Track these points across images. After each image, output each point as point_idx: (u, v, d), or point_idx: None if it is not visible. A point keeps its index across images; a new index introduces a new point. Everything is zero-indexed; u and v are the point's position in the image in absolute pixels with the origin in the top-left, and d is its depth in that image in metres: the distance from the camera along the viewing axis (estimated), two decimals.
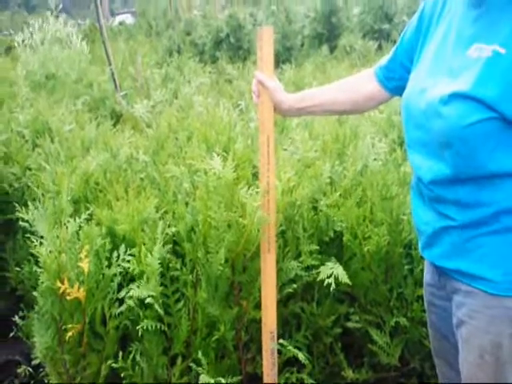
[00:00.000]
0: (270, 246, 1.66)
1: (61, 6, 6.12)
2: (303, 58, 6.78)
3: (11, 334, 2.62)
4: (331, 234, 2.20)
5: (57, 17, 5.93)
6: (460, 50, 1.34)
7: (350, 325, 2.20)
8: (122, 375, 1.99)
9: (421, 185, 1.46)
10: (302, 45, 7.83)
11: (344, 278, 1.93)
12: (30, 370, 2.47)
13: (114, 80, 4.83)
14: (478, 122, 1.27)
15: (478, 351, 1.40)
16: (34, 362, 2.32)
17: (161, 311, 1.90)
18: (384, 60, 1.71)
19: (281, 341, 1.91)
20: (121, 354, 2.00)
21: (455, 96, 1.29)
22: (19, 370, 2.53)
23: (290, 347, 1.85)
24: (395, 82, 1.67)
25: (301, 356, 1.91)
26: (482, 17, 1.33)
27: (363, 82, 1.74)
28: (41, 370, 2.40)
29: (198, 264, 1.96)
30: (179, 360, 2.00)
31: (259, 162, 1.73)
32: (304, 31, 7.84)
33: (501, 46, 1.25)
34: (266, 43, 1.66)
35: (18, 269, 2.90)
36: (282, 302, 2.13)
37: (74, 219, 2.16)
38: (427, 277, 1.62)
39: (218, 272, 1.90)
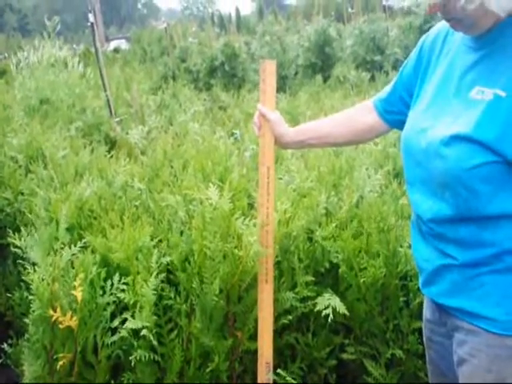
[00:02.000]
0: (267, 277, 1.67)
1: (58, 27, 6.15)
2: (297, 87, 6.85)
3: None
4: (327, 265, 2.20)
5: (54, 41, 5.96)
6: (462, 91, 1.36)
7: (345, 356, 2.18)
8: None
9: (420, 222, 1.46)
10: (296, 73, 7.93)
11: (342, 308, 1.93)
12: None
13: (109, 106, 4.85)
14: (479, 166, 1.27)
15: None
16: None
17: (154, 341, 1.88)
18: (383, 93, 1.72)
19: (278, 370, 1.89)
20: (113, 383, 1.97)
21: (457, 138, 1.29)
22: None
23: (288, 378, 1.83)
24: (395, 116, 1.68)
25: None
26: (483, 60, 1.34)
27: (362, 115, 1.75)
28: None
29: (193, 294, 1.95)
30: None
31: (257, 193, 1.74)
32: (298, 60, 7.95)
33: (502, 90, 1.26)
34: (268, 76, 1.69)
35: (7, 295, 2.86)
36: (277, 333, 2.10)
37: (69, 247, 2.15)
38: (427, 313, 1.60)
39: (212, 302, 1.89)
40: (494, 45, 1.32)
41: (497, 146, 1.26)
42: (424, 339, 1.65)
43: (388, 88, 1.71)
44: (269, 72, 1.69)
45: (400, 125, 1.61)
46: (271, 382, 1.70)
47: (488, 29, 1.32)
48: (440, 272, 1.43)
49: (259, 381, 1.71)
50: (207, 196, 2.03)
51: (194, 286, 1.93)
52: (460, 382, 1.45)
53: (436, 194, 1.38)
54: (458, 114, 1.34)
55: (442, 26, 1.53)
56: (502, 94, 1.26)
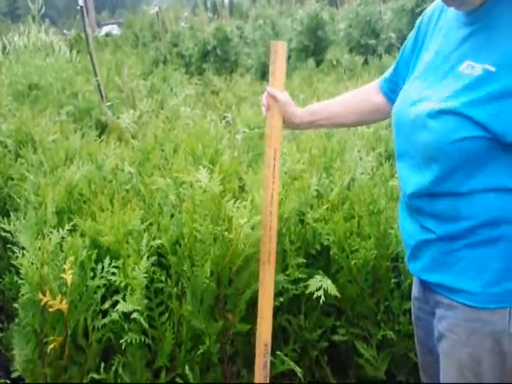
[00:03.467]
0: (270, 257, 1.66)
1: (43, 11, 6.06)
2: (290, 71, 6.80)
3: None
4: (318, 247, 2.19)
5: (39, 24, 5.88)
6: (452, 66, 1.36)
7: (336, 338, 2.18)
8: None
9: (405, 197, 1.48)
10: (289, 57, 7.87)
11: (333, 290, 1.93)
12: (9, 383, 2.41)
13: (100, 90, 4.81)
14: (464, 139, 1.28)
15: (458, 366, 1.39)
16: (13, 375, 2.27)
17: (145, 324, 1.87)
18: (388, 72, 1.73)
19: (278, 352, 1.89)
20: (103, 366, 1.96)
21: (443, 111, 1.30)
22: None
23: (287, 359, 1.83)
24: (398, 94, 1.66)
25: (297, 369, 1.89)
26: (473, 35, 1.34)
27: (370, 95, 1.77)
28: (20, 382, 2.34)
29: (183, 277, 1.94)
30: (163, 373, 1.97)
31: (264, 175, 1.71)
32: (291, 44, 7.89)
33: (491, 65, 1.26)
34: (279, 57, 1.64)
35: None
36: None
37: (58, 230, 2.13)
38: (415, 290, 1.62)
39: (203, 285, 1.88)
40: (484, 20, 1.32)
41: (483, 120, 1.26)
42: (412, 318, 1.66)
43: (391, 68, 1.72)
44: (279, 53, 1.64)
45: None
46: (269, 364, 1.69)
47: (480, 4, 1.32)
48: (421, 247, 1.45)
49: (257, 362, 1.71)
50: (197, 179, 2.02)
51: (184, 268, 1.92)
52: (441, 358, 1.45)
53: (420, 168, 1.39)
54: (446, 88, 1.34)
55: (436, 3, 1.53)
56: (492, 69, 1.26)
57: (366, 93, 1.78)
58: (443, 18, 1.49)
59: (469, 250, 1.36)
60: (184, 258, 1.94)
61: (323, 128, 2.23)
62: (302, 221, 2.22)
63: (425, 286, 1.52)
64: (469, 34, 1.35)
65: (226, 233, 1.94)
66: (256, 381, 1.79)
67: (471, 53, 1.33)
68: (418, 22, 1.60)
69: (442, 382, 1.45)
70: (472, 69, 1.30)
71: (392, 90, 1.70)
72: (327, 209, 2.22)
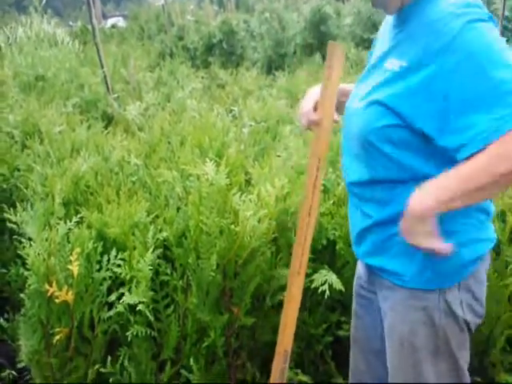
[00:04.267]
0: (300, 269, 1.60)
1: (44, 1, 6.03)
2: (296, 65, 6.79)
3: None
4: (324, 241, 2.19)
5: (42, 15, 5.86)
6: (381, 62, 1.50)
7: (341, 333, 2.19)
8: (110, 380, 1.96)
9: (348, 186, 1.59)
10: (295, 52, 7.85)
11: (338, 285, 1.94)
12: (14, 373, 2.42)
13: (106, 82, 4.80)
14: (385, 127, 1.40)
15: (399, 339, 1.53)
16: (18, 366, 2.28)
17: (151, 317, 1.88)
18: None
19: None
20: (109, 358, 1.97)
21: (371, 102, 1.44)
22: (3, 374, 2.48)
23: (301, 376, 1.84)
24: None
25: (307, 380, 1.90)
26: (398, 35, 1.48)
27: None
28: (25, 373, 2.36)
29: (189, 269, 1.94)
30: (168, 366, 1.98)
31: (306, 184, 1.61)
32: (297, 38, 7.86)
33: (406, 62, 1.39)
34: (336, 61, 1.52)
35: (3, 270, 2.85)
36: (274, 309, 2.11)
37: (64, 222, 2.13)
38: (360, 271, 1.73)
39: (209, 278, 1.88)
40: (406, 21, 1.46)
41: (398, 109, 1.38)
42: (353, 293, 1.77)
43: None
44: (337, 56, 1.52)
45: None
46: (286, 370, 1.69)
47: (401, 7, 1.47)
48: (363, 233, 1.57)
49: (274, 367, 1.69)
50: (204, 171, 2.01)
51: (190, 261, 1.92)
52: (385, 332, 1.59)
53: (358, 158, 1.52)
54: (374, 82, 1.48)
55: None
56: (404, 64, 1.39)
57: None
58: (387, 22, 1.62)
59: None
60: (190, 251, 1.94)
61: None
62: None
63: (369, 269, 1.63)
64: (395, 34, 1.49)
65: (232, 226, 1.94)
66: None
67: (394, 51, 1.46)
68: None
69: (388, 351, 1.59)
70: (392, 64, 1.43)
71: None
72: (333, 203, 2.22)
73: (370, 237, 1.55)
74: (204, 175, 2.08)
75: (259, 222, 1.93)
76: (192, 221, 1.99)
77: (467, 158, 1.30)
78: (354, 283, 1.77)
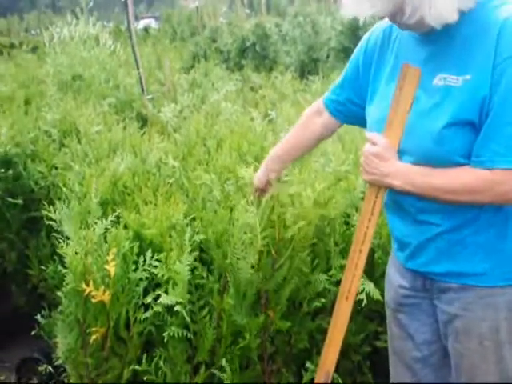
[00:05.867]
0: (349, 294, 1.59)
1: (91, 4, 6.14)
2: (329, 70, 6.75)
3: (33, 332, 2.59)
4: None
5: (87, 17, 5.96)
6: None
7: (378, 344, 2.16)
8: (145, 379, 1.96)
9: (401, 201, 1.57)
10: (328, 56, 7.82)
11: (375, 294, 1.91)
12: (51, 369, 2.44)
13: (141, 83, 4.84)
14: (471, 142, 1.40)
15: (478, 339, 1.52)
16: (54, 362, 2.31)
17: (188, 318, 1.88)
18: (332, 93, 1.85)
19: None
20: (145, 357, 1.97)
21: (450, 124, 1.41)
22: (40, 369, 2.50)
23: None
24: (345, 114, 1.82)
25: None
26: (436, 51, 1.47)
27: (315, 120, 1.91)
28: (61, 369, 2.38)
29: (227, 270, 1.93)
30: (202, 368, 1.97)
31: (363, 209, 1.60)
32: (330, 43, 7.83)
33: (470, 75, 1.39)
34: (407, 84, 1.46)
35: (41, 267, 2.89)
36: (310, 316, 2.09)
37: (102, 221, 2.15)
38: (400, 281, 1.70)
39: (246, 278, 1.88)
40: (444, 37, 1.45)
41: (474, 120, 1.39)
42: (391, 304, 1.76)
43: (336, 88, 1.83)
44: (409, 79, 1.46)
45: (350, 120, 1.85)
46: None
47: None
48: (424, 244, 1.56)
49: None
50: (245, 175, 2.02)
51: (228, 261, 1.91)
52: (451, 336, 1.59)
53: None
54: (427, 104, 1.47)
55: (384, 22, 1.64)
56: (468, 77, 1.39)
57: (312, 118, 1.91)
58: (394, 37, 1.61)
59: (475, 236, 1.48)
60: (228, 252, 1.93)
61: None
62: (346, 222, 2.20)
63: (425, 276, 1.61)
64: (430, 51, 1.48)
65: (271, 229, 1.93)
66: None
67: (438, 67, 1.46)
68: (363, 42, 1.72)
69: (459, 358, 1.58)
70: (445, 82, 1.43)
71: (338, 110, 1.83)
72: None
73: (434, 245, 1.54)
74: (242, 178, 2.08)
75: (298, 227, 1.92)
76: (231, 222, 1.99)
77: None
78: (391, 296, 1.75)
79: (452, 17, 1.38)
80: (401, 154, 1.51)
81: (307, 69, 7.56)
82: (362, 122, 1.73)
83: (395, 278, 1.73)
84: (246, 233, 1.92)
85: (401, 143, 1.50)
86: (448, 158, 1.43)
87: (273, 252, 1.92)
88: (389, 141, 1.49)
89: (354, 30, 7.37)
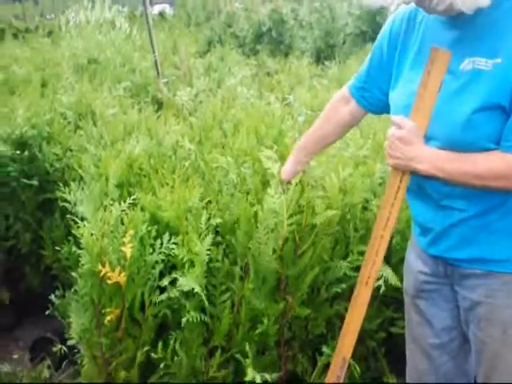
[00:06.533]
0: (368, 280, 1.57)
1: None
2: (345, 56, 6.68)
3: (47, 312, 2.60)
4: None
5: (103, 1, 5.95)
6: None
7: (394, 330, 2.13)
8: (160, 363, 1.96)
9: (425, 185, 1.54)
10: (344, 42, 7.72)
11: (394, 279, 1.89)
12: (65, 349, 2.44)
13: (157, 67, 4.81)
14: (500, 128, 1.37)
15: (501, 327, 1.51)
16: (67, 342, 2.30)
17: (206, 302, 1.86)
18: (358, 80, 1.81)
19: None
20: (160, 341, 1.96)
21: (479, 109, 1.38)
22: (54, 349, 2.51)
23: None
24: (372, 101, 1.79)
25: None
26: (464, 34, 1.43)
27: (342, 108, 1.87)
28: (74, 350, 2.38)
29: (247, 255, 1.91)
30: (218, 352, 1.96)
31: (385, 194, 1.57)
32: (346, 29, 7.73)
33: (501, 58, 1.36)
34: (436, 68, 1.42)
35: (57, 248, 2.89)
36: (328, 302, 2.07)
37: (119, 203, 2.13)
38: (421, 266, 1.68)
39: (267, 264, 1.86)
40: (472, 21, 1.41)
41: (503, 103, 1.36)
42: (410, 291, 1.74)
43: (362, 75, 1.79)
44: (438, 63, 1.41)
45: (375, 109, 1.81)
46: (342, 378, 1.66)
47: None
48: (449, 229, 1.54)
49: (330, 372, 1.67)
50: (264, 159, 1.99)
51: (250, 245, 1.89)
52: (473, 323, 1.57)
53: None
54: (453, 87, 1.43)
55: (408, 7, 1.60)
56: (499, 61, 1.35)
57: (339, 107, 1.88)
58: (419, 20, 1.57)
59: (500, 221, 1.47)
60: (249, 237, 1.91)
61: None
62: (365, 208, 2.17)
63: (446, 262, 1.59)
64: (458, 34, 1.45)
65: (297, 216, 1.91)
66: None
67: (467, 51, 1.42)
68: (387, 27, 1.67)
69: (485, 342, 1.56)
70: (474, 65, 1.39)
71: (365, 98, 1.79)
72: None
73: (459, 230, 1.52)
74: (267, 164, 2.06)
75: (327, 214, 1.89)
76: (252, 207, 1.96)
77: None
78: (411, 282, 1.74)
79: (485, 1, 1.34)
80: (427, 139, 1.47)
81: (323, 54, 7.48)
82: (389, 110, 1.68)
83: (415, 263, 1.71)
84: (270, 218, 1.89)
85: (428, 129, 1.46)
86: (476, 143, 1.40)
87: (297, 238, 1.89)
88: (415, 125, 1.46)
89: (373, 15, 7.28)
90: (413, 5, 1.52)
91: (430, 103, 1.43)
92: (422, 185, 1.55)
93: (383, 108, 1.74)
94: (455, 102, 1.42)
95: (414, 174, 1.50)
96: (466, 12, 1.36)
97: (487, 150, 1.39)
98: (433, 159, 1.43)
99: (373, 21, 7.26)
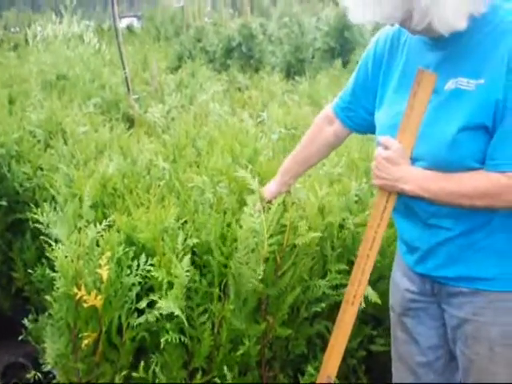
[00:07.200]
0: (354, 300, 1.58)
1: (74, 2, 6.06)
2: (315, 71, 6.75)
3: (20, 337, 2.54)
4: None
5: (72, 16, 5.89)
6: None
7: (374, 348, 2.15)
8: None
9: (413, 205, 1.55)
10: (313, 57, 7.82)
11: (374, 297, 1.90)
12: (39, 375, 2.39)
13: (127, 83, 4.78)
14: (484, 145, 1.40)
15: (488, 345, 1.52)
16: (43, 369, 2.25)
17: (186, 324, 1.84)
18: (342, 101, 1.82)
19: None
20: (141, 364, 1.94)
21: (463, 128, 1.41)
22: (28, 376, 2.45)
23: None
24: (357, 121, 1.79)
25: None
26: (447, 55, 1.46)
27: (325, 129, 1.87)
28: (50, 375, 2.33)
29: (227, 275, 1.90)
30: (199, 374, 1.94)
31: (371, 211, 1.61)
32: (315, 44, 7.83)
33: (484, 79, 1.39)
34: (422, 90, 1.44)
35: (29, 270, 2.83)
36: (308, 321, 2.07)
37: (94, 225, 2.10)
38: (407, 284, 1.69)
39: (249, 285, 1.85)
40: (455, 41, 1.43)
41: (486, 124, 1.39)
42: (397, 309, 1.75)
43: (347, 95, 1.80)
44: (424, 85, 1.43)
45: (361, 128, 1.82)
46: None
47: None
48: (435, 247, 1.55)
49: None
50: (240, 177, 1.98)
51: (230, 265, 1.88)
52: (460, 341, 1.58)
53: None
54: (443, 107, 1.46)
55: (392, 27, 1.62)
56: (482, 82, 1.39)
57: (323, 128, 1.88)
58: (402, 41, 1.60)
59: (486, 240, 1.48)
60: (230, 256, 1.90)
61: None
62: (342, 226, 2.18)
63: (433, 280, 1.60)
64: (441, 55, 1.47)
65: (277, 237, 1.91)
66: None
67: (451, 71, 1.44)
68: (372, 47, 1.70)
69: (472, 360, 1.56)
70: (458, 85, 1.42)
71: (349, 118, 1.80)
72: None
73: (445, 249, 1.53)
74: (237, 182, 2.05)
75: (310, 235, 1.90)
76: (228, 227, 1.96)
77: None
78: (397, 300, 1.74)
79: (460, 24, 1.36)
80: (414, 160, 1.49)
81: (293, 69, 7.55)
82: (374, 130, 1.69)
83: (402, 281, 1.72)
84: (250, 237, 1.88)
85: (414, 149, 1.48)
86: (462, 162, 1.42)
87: (278, 259, 1.90)
88: (401, 146, 1.48)
89: (341, 31, 7.39)
90: (396, 25, 1.55)
91: (416, 124, 1.46)
92: (409, 204, 1.56)
93: (368, 128, 1.75)
94: (440, 122, 1.44)
95: (401, 194, 1.52)
96: (443, 34, 1.39)
97: (473, 169, 1.42)
98: (419, 180, 1.46)
99: (341, 36, 7.38)
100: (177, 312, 1.79)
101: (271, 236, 1.87)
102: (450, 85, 1.43)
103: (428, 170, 1.47)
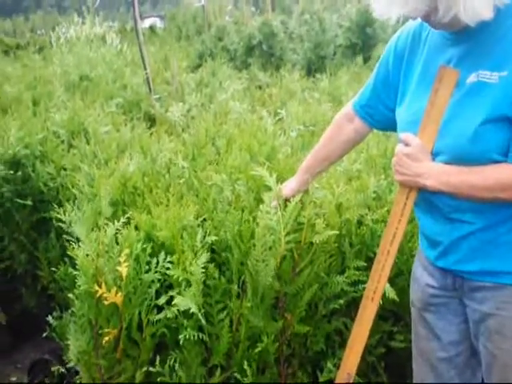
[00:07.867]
0: (374, 296, 1.58)
1: (97, 3, 6.14)
2: (336, 68, 6.72)
3: (44, 334, 2.58)
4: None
5: (94, 17, 5.97)
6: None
7: (393, 344, 2.13)
8: (158, 380, 1.95)
9: (434, 200, 1.54)
10: (335, 54, 7.79)
11: (391, 294, 1.89)
12: (64, 370, 2.43)
13: (149, 82, 4.83)
14: (509, 139, 1.38)
15: (511, 339, 1.51)
16: (67, 365, 2.29)
17: (203, 320, 1.86)
18: (362, 98, 1.81)
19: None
20: (159, 360, 1.96)
21: (486, 121, 1.39)
22: (53, 369, 2.49)
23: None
24: (377, 118, 1.79)
25: None
26: (468, 48, 1.46)
27: (346, 126, 1.87)
28: (73, 371, 2.36)
29: (245, 273, 1.91)
30: (218, 371, 1.96)
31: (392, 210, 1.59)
32: (337, 41, 7.80)
33: (507, 71, 1.37)
34: (443, 86, 1.43)
35: (53, 269, 2.88)
36: (327, 318, 2.07)
37: (113, 223, 2.13)
38: (429, 280, 1.68)
39: (266, 282, 1.86)
40: (475, 34, 1.43)
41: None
42: (417, 304, 1.74)
43: (367, 92, 1.79)
44: (446, 82, 1.42)
45: (381, 125, 1.82)
46: None
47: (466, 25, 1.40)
48: (457, 242, 1.54)
49: None
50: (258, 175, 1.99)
51: (248, 263, 1.89)
52: (483, 336, 1.57)
53: None
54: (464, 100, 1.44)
55: (413, 22, 1.62)
56: (504, 74, 1.37)
57: (342, 125, 1.87)
58: (423, 36, 1.59)
59: (509, 233, 1.47)
60: (247, 254, 1.91)
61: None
62: (360, 223, 2.17)
63: (454, 275, 1.59)
64: (462, 48, 1.47)
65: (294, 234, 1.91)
66: None
67: (473, 64, 1.44)
68: (392, 43, 1.69)
69: (496, 355, 1.55)
70: (479, 77, 1.41)
71: (370, 115, 1.80)
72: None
73: (468, 243, 1.52)
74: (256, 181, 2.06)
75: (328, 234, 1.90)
76: (246, 224, 1.97)
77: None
78: (418, 295, 1.73)
79: (487, 14, 1.35)
80: (435, 155, 1.49)
81: (314, 66, 7.53)
82: (394, 127, 1.69)
83: (423, 277, 1.71)
84: (267, 235, 1.89)
85: (435, 143, 1.48)
86: (484, 155, 1.40)
87: (295, 256, 1.90)
88: (422, 142, 1.47)
89: (362, 27, 7.34)
90: (417, 21, 1.55)
91: (437, 121, 1.45)
92: (430, 199, 1.56)
93: (388, 124, 1.75)
94: (463, 116, 1.43)
95: (422, 189, 1.51)
96: (470, 25, 1.38)
97: (495, 162, 1.40)
98: (440, 174, 1.45)
99: (363, 32, 7.32)
100: (193, 309, 1.80)
101: (288, 234, 1.87)
102: (472, 78, 1.43)
103: (449, 164, 1.46)
